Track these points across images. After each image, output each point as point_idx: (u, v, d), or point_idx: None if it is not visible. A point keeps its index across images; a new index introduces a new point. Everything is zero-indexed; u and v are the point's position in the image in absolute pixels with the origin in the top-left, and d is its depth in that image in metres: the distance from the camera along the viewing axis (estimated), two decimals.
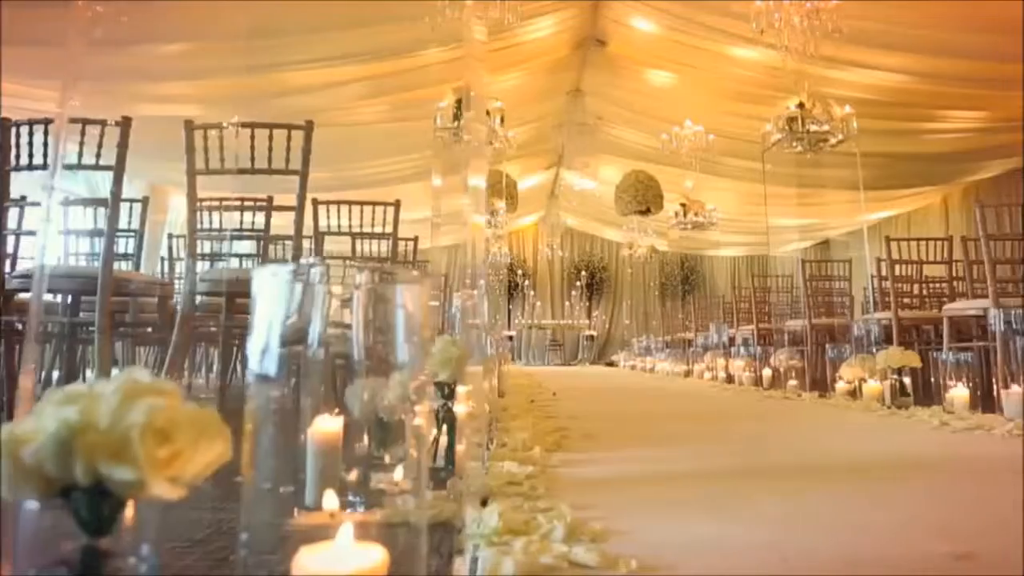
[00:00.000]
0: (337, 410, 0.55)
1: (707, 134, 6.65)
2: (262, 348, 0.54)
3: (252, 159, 2.08)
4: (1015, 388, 2.55)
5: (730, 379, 5.42)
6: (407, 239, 4.19)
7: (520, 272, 13.52)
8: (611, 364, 11.85)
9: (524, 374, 7.56)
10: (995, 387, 2.68)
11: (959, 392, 2.81)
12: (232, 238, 2.93)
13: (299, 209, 2.14)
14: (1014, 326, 2.58)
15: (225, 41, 5.12)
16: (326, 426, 1.17)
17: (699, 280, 13.74)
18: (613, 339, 13.42)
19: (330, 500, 0.55)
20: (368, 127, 6.24)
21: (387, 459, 0.67)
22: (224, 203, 2.79)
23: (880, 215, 10.16)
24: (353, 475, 1.21)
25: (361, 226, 3.36)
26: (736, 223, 9.98)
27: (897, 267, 4.23)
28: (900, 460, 1.87)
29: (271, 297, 0.54)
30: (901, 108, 6.28)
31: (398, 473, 1.24)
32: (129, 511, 0.60)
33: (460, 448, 1.26)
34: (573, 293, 13.53)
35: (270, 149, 2.07)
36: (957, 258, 4.14)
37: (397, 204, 3.29)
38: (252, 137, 2.08)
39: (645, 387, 5.67)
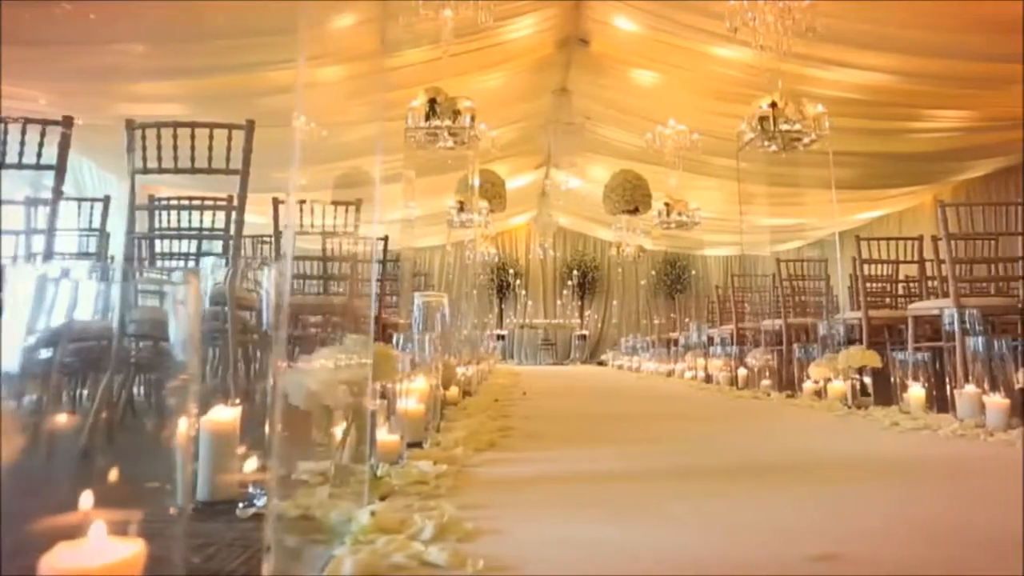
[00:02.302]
0: (70, 412, 0.55)
1: (691, 133, 6.65)
2: (11, 348, 0.54)
3: (192, 159, 2.09)
4: (968, 388, 2.54)
5: (708, 379, 5.42)
6: (378, 239, 4.19)
7: (512, 271, 13.52)
8: (601, 363, 11.85)
9: (511, 373, 7.55)
10: (948, 387, 2.68)
11: (915, 392, 2.81)
12: (193, 237, 2.93)
13: (240, 208, 2.15)
14: (967, 326, 2.58)
15: (210, 40, 5.13)
16: (220, 416, 1.16)
17: (692, 280, 13.70)
18: (605, 338, 13.41)
19: (86, 499, 0.55)
20: (349, 127, 6.25)
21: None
22: (181, 202, 2.80)
23: (871, 214, 10.13)
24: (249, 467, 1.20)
25: (323, 226, 3.36)
26: (725, 223, 9.96)
27: (872, 267, 4.22)
28: (827, 461, 1.87)
29: (21, 296, 0.54)
30: (886, 107, 6.27)
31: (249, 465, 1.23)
32: None
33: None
34: (565, 292, 13.53)
35: (210, 148, 2.08)
36: (929, 257, 4.13)
37: (358, 203, 3.30)
38: (192, 137, 2.10)
39: (622, 387, 5.66)
